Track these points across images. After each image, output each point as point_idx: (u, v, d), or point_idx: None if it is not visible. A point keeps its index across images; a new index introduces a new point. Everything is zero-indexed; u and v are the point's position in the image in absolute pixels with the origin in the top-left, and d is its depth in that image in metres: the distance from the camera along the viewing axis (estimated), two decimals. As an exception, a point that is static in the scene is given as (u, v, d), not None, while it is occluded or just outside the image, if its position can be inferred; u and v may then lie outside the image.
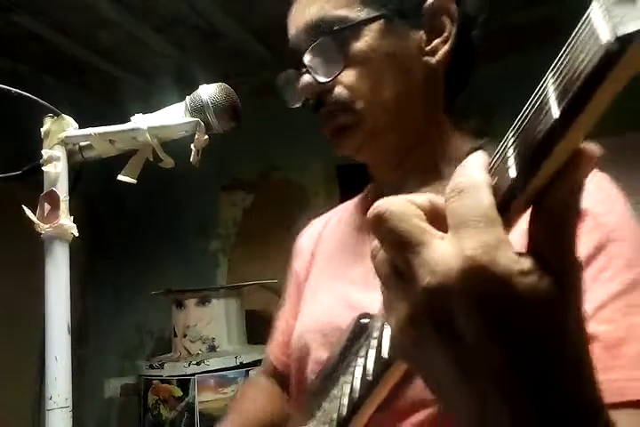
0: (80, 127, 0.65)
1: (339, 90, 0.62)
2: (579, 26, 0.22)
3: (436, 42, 0.62)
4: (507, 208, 0.25)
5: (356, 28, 0.60)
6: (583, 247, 0.49)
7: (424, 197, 0.28)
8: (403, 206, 0.27)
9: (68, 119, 0.65)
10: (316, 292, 0.74)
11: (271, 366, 0.84)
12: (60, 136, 0.64)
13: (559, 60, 0.23)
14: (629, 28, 0.19)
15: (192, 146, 0.63)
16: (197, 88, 0.65)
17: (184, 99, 0.65)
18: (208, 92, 0.64)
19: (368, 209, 0.76)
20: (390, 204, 0.27)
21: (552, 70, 0.24)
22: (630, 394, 0.43)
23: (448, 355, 0.26)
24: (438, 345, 0.26)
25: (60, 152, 0.63)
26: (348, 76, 0.61)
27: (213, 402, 2.25)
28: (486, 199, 0.25)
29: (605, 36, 0.20)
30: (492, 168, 0.27)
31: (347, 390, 0.44)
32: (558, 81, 0.23)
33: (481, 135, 0.66)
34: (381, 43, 0.61)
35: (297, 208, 2.63)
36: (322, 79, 0.61)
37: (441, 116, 0.67)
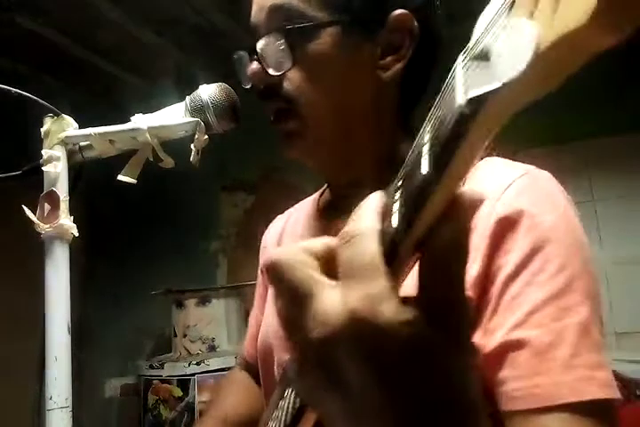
0: (80, 127, 0.65)
1: (286, 87, 0.61)
2: (449, 75, 0.23)
3: (390, 58, 0.61)
4: (393, 255, 0.25)
5: (312, 28, 0.59)
6: (517, 252, 0.49)
7: (320, 243, 0.29)
8: (295, 256, 0.28)
9: (68, 119, 0.65)
10: None
11: (244, 361, 0.87)
12: (60, 136, 0.64)
13: (433, 109, 0.24)
14: (480, 90, 0.20)
15: (192, 146, 0.63)
16: (197, 88, 0.65)
17: (184, 99, 0.65)
18: (208, 92, 0.64)
19: (320, 210, 0.76)
20: (283, 253, 0.28)
21: (428, 119, 0.24)
22: (558, 398, 0.43)
23: (339, 402, 0.27)
24: (329, 393, 0.27)
25: (60, 152, 0.63)
26: (296, 76, 0.60)
27: (213, 402, 2.25)
28: (372, 248, 0.25)
29: (459, 97, 0.20)
30: (383, 211, 0.27)
31: (280, 413, 0.44)
32: (430, 134, 0.23)
33: None
34: (334, 49, 0.59)
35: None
36: (270, 71, 0.60)
37: (393, 129, 0.65)
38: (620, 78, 2.25)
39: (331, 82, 0.61)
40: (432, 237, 0.25)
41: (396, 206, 0.25)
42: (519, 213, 0.51)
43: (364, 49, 0.61)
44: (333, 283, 0.26)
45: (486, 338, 0.49)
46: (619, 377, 1.91)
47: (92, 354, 3.01)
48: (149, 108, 0.66)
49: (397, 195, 0.26)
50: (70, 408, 0.59)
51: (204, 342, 2.42)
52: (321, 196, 0.77)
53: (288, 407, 0.40)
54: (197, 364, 2.27)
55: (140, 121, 0.64)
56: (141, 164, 0.65)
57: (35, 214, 0.62)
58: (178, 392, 2.30)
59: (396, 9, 0.59)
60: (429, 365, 0.25)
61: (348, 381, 0.25)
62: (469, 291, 0.50)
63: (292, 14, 0.59)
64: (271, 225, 0.87)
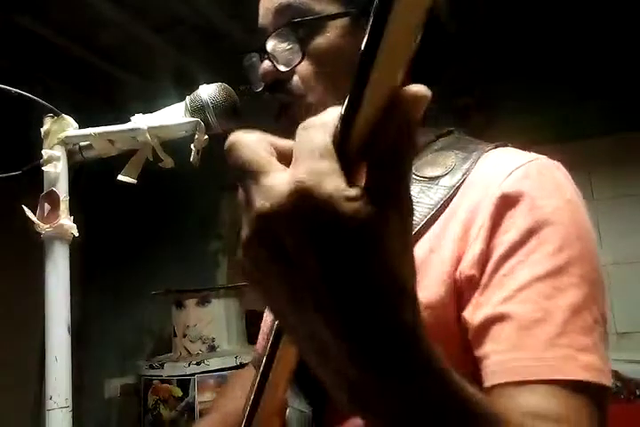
0: (80, 127, 0.66)
1: (295, 81, 0.61)
2: None
3: None
4: (344, 145, 0.26)
5: (320, 21, 0.60)
6: (515, 231, 0.49)
7: (287, 142, 0.30)
8: (254, 139, 0.28)
9: (68, 119, 0.65)
10: None
11: (257, 356, 0.86)
12: (60, 136, 0.64)
13: None
14: None
15: (192, 146, 0.63)
16: (197, 88, 0.65)
17: (184, 99, 0.65)
18: (208, 92, 0.64)
19: None
20: (244, 135, 0.29)
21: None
22: (536, 373, 0.43)
23: (278, 276, 0.27)
24: (272, 268, 0.27)
25: (59, 152, 0.63)
26: (306, 69, 0.61)
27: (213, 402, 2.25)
28: (325, 134, 0.26)
29: None
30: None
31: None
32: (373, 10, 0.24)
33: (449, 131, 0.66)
34: (343, 41, 0.60)
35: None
36: (281, 68, 0.61)
37: None
38: (621, 78, 2.25)
39: (339, 72, 0.61)
40: (376, 131, 0.25)
41: (346, 100, 0.26)
42: (521, 193, 0.51)
43: None
44: (286, 167, 0.27)
45: (474, 313, 0.49)
46: (619, 377, 1.91)
47: (92, 354, 3.01)
48: (149, 108, 0.66)
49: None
50: (70, 408, 0.59)
51: (204, 342, 2.42)
52: None
53: (270, 338, 0.40)
54: (197, 364, 2.27)
55: (140, 121, 0.64)
56: (141, 164, 0.65)
57: (35, 214, 0.62)
58: (178, 392, 2.30)
59: None
60: (368, 242, 0.25)
61: (288, 254, 0.26)
62: (472, 269, 0.51)
63: (300, 11, 0.60)
64: None
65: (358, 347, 0.26)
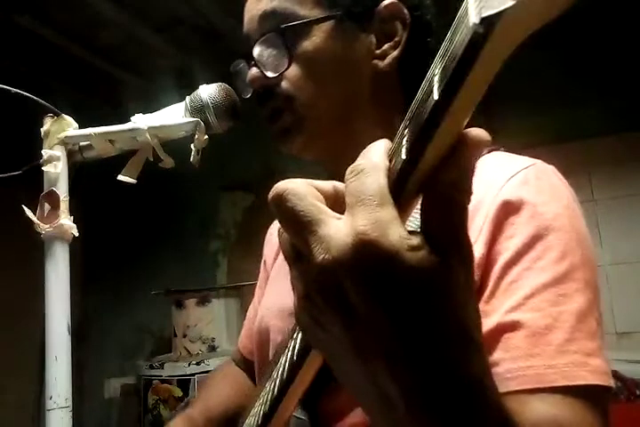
0: (80, 127, 0.65)
1: (284, 86, 0.62)
2: (462, 6, 0.23)
3: (385, 46, 0.62)
4: (400, 190, 0.26)
5: (305, 26, 0.60)
6: (519, 237, 0.50)
7: (328, 183, 0.30)
8: (302, 187, 0.28)
9: (68, 119, 0.65)
10: (277, 278, 0.76)
11: (239, 354, 0.87)
12: (60, 136, 0.64)
13: (445, 40, 0.24)
14: (494, 9, 0.20)
15: (192, 146, 0.63)
16: (197, 88, 0.65)
17: (184, 99, 0.65)
18: (208, 92, 0.64)
19: None
20: (289, 183, 0.28)
21: (440, 51, 0.24)
22: (549, 381, 0.43)
23: (342, 329, 0.27)
24: (333, 319, 0.27)
25: (59, 152, 0.63)
26: (294, 73, 0.61)
27: (213, 402, 2.25)
28: (381, 180, 0.26)
29: (472, 18, 0.20)
30: (391, 152, 0.27)
31: (277, 371, 0.44)
32: (442, 63, 0.23)
33: None
34: (330, 43, 0.61)
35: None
36: (269, 74, 0.61)
37: (394, 117, 0.66)
38: (621, 78, 2.25)
39: (328, 75, 0.62)
40: (436, 175, 0.25)
41: (405, 140, 0.25)
42: (522, 200, 0.51)
43: (359, 40, 0.62)
44: (340, 215, 0.27)
45: (482, 321, 0.49)
46: (619, 377, 1.91)
47: (92, 354, 3.01)
48: (149, 108, 0.66)
49: (405, 131, 0.26)
50: (70, 408, 0.59)
51: (204, 342, 2.42)
52: None
53: (288, 357, 0.40)
54: (197, 364, 2.27)
55: (140, 121, 0.64)
56: (141, 164, 0.65)
57: (35, 214, 0.62)
58: (178, 392, 2.30)
59: None
60: (435, 292, 0.25)
61: (352, 306, 0.25)
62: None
63: (284, 16, 0.60)
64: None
65: (424, 399, 0.26)
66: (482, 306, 0.50)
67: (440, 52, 0.24)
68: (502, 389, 0.46)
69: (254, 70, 0.62)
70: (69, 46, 2.39)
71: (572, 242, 0.50)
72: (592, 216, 2.19)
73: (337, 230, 0.25)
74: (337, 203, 0.28)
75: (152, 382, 2.36)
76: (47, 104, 0.65)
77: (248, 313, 0.89)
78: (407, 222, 0.27)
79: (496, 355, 0.47)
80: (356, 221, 0.25)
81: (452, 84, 0.22)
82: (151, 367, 2.39)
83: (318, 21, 0.60)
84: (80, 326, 2.91)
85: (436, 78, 0.23)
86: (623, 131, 2.24)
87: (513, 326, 0.47)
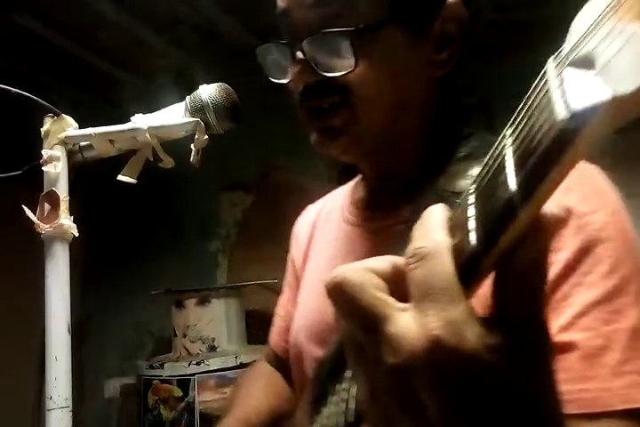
0: (80, 127, 0.65)
1: (344, 85, 0.58)
2: (536, 84, 0.21)
3: (445, 53, 0.60)
4: (470, 274, 0.24)
5: (375, 28, 0.56)
6: (566, 251, 0.48)
7: (385, 263, 0.27)
8: (362, 277, 0.26)
9: (68, 119, 0.65)
10: (309, 288, 0.74)
11: (272, 353, 0.85)
12: (60, 136, 0.64)
13: (518, 117, 0.22)
14: (586, 103, 0.18)
15: (192, 146, 0.63)
16: (197, 88, 0.65)
17: (184, 99, 0.65)
18: (208, 92, 0.64)
19: (354, 203, 0.73)
20: (348, 274, 0.26)
21: (511, 127, 0.22)
22: (607, 405, 0.42)
23: (412, 426, 0.25)
24: (401, 418, 0.25)
25: (59, 152, 0.63)
26: (357, 74, 0.57)
27: (213, 402, 2.25)
28: (448, 268, 0.24)
29: (560, 110, 0.18)
30: (452, 225, 0.25)
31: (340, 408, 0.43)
32: (516, 145, 0.21)
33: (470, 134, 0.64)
34: (396, 47, 0.58)
35: (297, 208, 2.62)
36: (328, 74, 0.57)
37: (432, 124, 0.65)
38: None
39: (389, 79, 0.59)
40: (512, 257, 0.23)
41: (472, 223, 0.23)
42: (568, 211, 0.49)
43: (420, 45, 0.59)
44: (406, 306, 0.25)
45: None
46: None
47: (92, 354, 3.01)
48: (149, 108, 0.66)
49: (471, 210, 0.24)
50: (70, 408, 0.59)
51: (204, 342, 2.42)
52: (355, 188, 0.76)
53: (338, 418, 0.39)
54: (197, 364, 2.27)
55: (140, 121, 0.64)
56: (141, 164, 0.65)
57: (35, 214, 0.62)
58: (178, 392, 2.29)
59: None
60: (515, 391, 0.23)
61: (424, 408, 0.24)
62: None
63: (343, 9, 0.56)
64: (303, 214, 0.86)
65: None
66: None
67: (511, 124, 0.22)
68: None
69: (306, 65, 0.58)
70: (69, 46, 2.39)
71: (622, 252, 0.48)
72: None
73: (407, 329, 0.23)
74: (397, 284, 0.26)
75: (152, 382, 2.36)
76: (47, 104, 0.65)
77: (277, 310, 0.86)
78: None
79: None
80: (428, 322, 0.23)
81: (534, 179, 0.20)
82: (151, 367, 2.39)
83: (385, 24, 0.57)
84: (80, 326, 2.91)
85: (511, 162, 0.21)
86: (626, 129, 2.23)
87: (565, 348, 0.45)
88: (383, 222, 0.64)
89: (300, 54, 0.58)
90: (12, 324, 2.52)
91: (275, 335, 0.84)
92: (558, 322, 0.46)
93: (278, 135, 2.79)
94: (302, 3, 0.58)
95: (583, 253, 0.48)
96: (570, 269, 0.47)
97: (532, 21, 2.24)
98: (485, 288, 0.25)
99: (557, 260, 0.48)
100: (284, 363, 0.79)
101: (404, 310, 0.24)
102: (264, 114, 2.25)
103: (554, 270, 0.47)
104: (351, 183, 0.78)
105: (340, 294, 0.26)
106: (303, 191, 2.83)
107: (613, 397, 0.42)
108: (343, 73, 0.57)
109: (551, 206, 0.23)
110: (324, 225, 0.78)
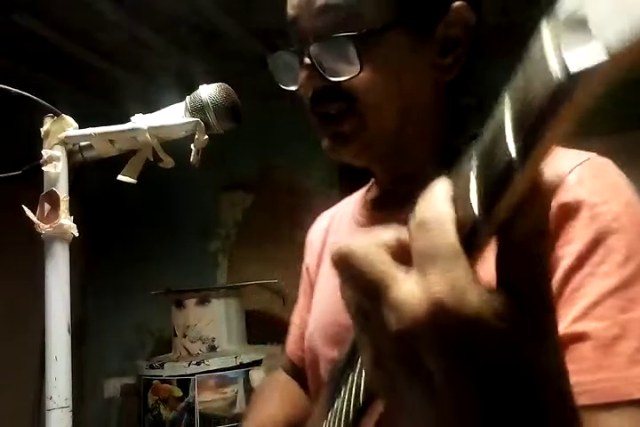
0: (80, 127, 0.65)
1: (350, 90, 0.58)
2: (531, 44, 0.21)
3: (450, 57, 0.60)
4: (472, 242, 0.24)
5: (379, 32, 0.57)
6: (579, 242, 0.47)
7: (390, 234, 0.28)
8: (367, 247, 0.27)
9: (68, 119, 0.65)
10: (322, 290, 0.74)
11: (288, 361, 0.84)
12: (60, 136, 0.64)
13: (514, 81, 0.22)
14: (581, 64, 0.18)
15: (192, 146, 0.63)
16: (197, 88, 0.65)
17: (184, 99, 0.65)
18: (208, 92, 0.64)
19: (367, 207, 0.73)
20: (354, 245, 0.27)
21: (508, 91, 0.23)
22: (621, 394, 0.42)
23: (419, 397, 0.26)
24: (408, 385, 0.26)
25: (59, 152, 0.63)
26: (362, 80, 0.58)
27: (213, 402, 2.25)
28: (450, 235, 0.24)
29: (556, 71, 0.19)
30: (455, 198, 0.26)
31: (337, 413, 0.43)
32: (513, 110, 0.22)
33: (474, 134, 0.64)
34: (400, 51, 0.58)
35: (297, 208, 2.63)
36: (333, 78, 0.58)
37: (442, 125, 0.65)
38: (622, 77, 2.25)
39: (396, 83, 0.59)
40: (512, 224, 0.23)
41: (473, 192, 0.24)
42: (580, 202, 0.49)
43: (425, 49, 0.59)
44: (408, 273, 0.25)
45: None
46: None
47: (92, 354, 3.01)
48: (149, 108, 0.66)
49: (472, 179, 0.24)
50: (70, 408, 0.59)
51: (203, 342, 2.42)
52: (367, 192, 0.76)
53: (349, 402, 0.39)
54: (197, 364, 2.27)
55: (140, 121, 0.64)
56: (141, 164, 0.65)
57: (35, 214, 0.62)
58: (178, 392, 2.30)
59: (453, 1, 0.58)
60: (519, 355, 0.24)
61: (429, 373, 0.24)
62: None
63: (349, 15, 0.57)
64: (317, 221, 0.86)
65: None
66: None
67: (508, 92, 0.22)
68: None
69: (313, 70, 0.58)
70: (69, 46, 2.39)
71: (636, 242, 0.47)
72: None
73: (410, 295, 0.24)
74: (403, 254, 0.26)
75: (152, 382, 2.36)
76: (47, 104, 0.65)
77: (293, 318, 0.86)
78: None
79: None
80: (431, 287, 0.23)
81: (530, 142, 0.21)
82: (151, 367, 2.39)
83: (391, 28, 0.57)
84: (80, 326, 2.91)
85: (509, 126, 0.22)
86: (628, 129, 2.24)
87: (579, 337, 0.44)
88: (393, 223, 0.64)
89: (307, 60, 0.59)
90: (12, 324, 2.52)
91: (291, 344, 0.84)
92: (572, 313, 0.46)
93: (278, 135, 2.79)
94: (310, 10, 0.59)
95: (596, 243, 0.47)
96: (583, 259, 0.47)
97: (535, 22, 2.24)
98: (489, 276, 0.25)
99: (570, 251, 0.48)
100: (300, 372, 0.79)
101: (406, 276, 0.25)
102: (264, 114, 2.25)
103: (566, 262, 0.47)
104: (363, 189, 0.79)
105: (345, 263, 0.27)
106: (303, 191, 2.84)
107: (630, 386, 0.42)
108: (348, 77, 0.57)
109: (547, 174, 0.23)
110: (336, 229, 0.78)
